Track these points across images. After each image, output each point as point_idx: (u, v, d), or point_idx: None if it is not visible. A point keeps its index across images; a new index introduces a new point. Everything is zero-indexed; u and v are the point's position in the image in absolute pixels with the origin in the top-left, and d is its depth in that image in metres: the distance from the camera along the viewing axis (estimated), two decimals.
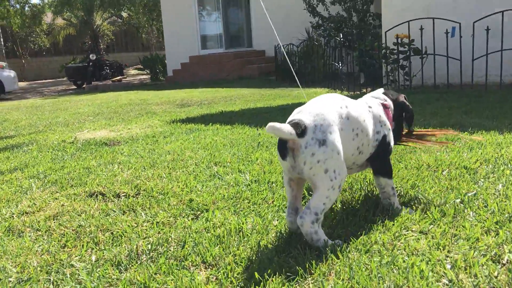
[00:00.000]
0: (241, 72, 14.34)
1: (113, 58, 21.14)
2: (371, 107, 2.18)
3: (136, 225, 2.28)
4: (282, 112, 6.11)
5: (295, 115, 1.93)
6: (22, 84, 23.95)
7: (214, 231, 2.12)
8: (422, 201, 2.32)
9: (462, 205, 2.24)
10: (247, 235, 2.07)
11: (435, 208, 2.20)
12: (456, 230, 1.98)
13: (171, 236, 2.10)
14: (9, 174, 3.65)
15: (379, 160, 2.20)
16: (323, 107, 1.93)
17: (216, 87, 11.63)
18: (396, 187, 2.52)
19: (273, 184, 2.80)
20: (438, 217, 2.10)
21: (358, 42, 9.07)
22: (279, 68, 12.27)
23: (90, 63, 18.65)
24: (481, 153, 3.14)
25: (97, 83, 18.20)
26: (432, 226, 2.03)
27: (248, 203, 2.50)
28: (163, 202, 2.59)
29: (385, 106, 2.25)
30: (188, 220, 2.31)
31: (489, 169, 2.79)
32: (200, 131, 4.97)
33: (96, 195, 2.85)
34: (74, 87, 18.81)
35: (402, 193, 2.46)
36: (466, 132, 3.88)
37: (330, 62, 10.00)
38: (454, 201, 2.28)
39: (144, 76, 21.29)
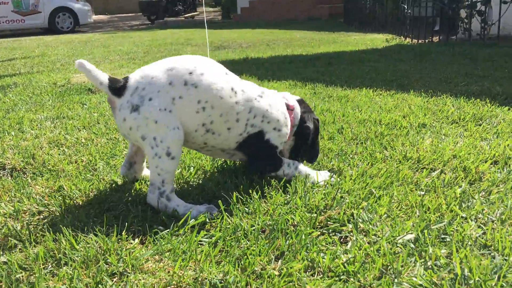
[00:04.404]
0: (311, 12, 13.21)
1: None
2: (261, 96, 1.81)
3: None
4: (311, 63, 5.20)
5: (135, 71, 1.71)
6: (103, 17, 24.24)
7: (29, 249, 1.43)
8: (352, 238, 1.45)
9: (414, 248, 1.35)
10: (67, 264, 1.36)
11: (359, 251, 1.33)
12: None
13: None
14: None
15: (253, 156, 1.87)
16: (164, 68, 1.66)
17: (275, 28, 10.70)
18: (333, 208, 1.65)
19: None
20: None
21: None
22: (347, 9, 11.04)
23: None
24: (501, 146, 2.16)
25: (168, 19, 17.79)
26: None
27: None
28: (28, 187, 1.93)
29: (288, 107, 1.92)
30: (28, 220, 1.63)
31: (501, 176, 1.84)
32: None
33: None
34: (149, 22, 18.54)
35: (336, 218, 1.58)
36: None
37: (400, 4, 8.67)
38: (408, 239, 1.38)
39: (217, 14, 20.58)
